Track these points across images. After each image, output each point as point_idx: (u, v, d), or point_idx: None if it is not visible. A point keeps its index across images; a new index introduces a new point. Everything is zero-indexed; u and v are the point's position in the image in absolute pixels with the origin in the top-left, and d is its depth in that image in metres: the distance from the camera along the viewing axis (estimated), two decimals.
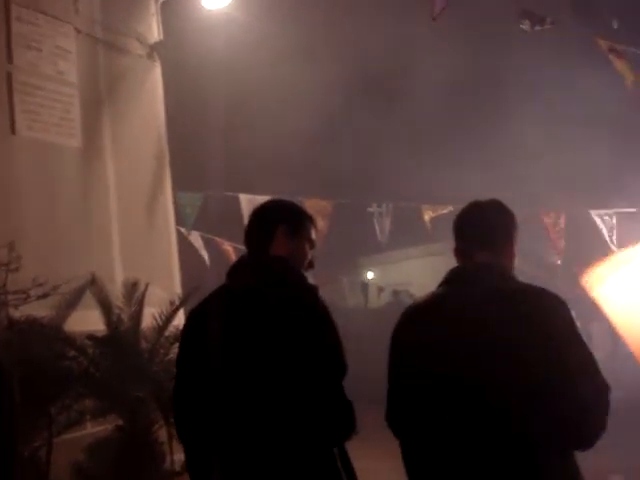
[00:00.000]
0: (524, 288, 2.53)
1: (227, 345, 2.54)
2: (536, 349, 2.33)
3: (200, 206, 10.82)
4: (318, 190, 13.32)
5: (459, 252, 2.70)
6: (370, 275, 25.95)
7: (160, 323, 7.23)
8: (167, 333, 7.12)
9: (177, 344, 2.86)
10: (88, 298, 7.30)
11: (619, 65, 8.37)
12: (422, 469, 2.52)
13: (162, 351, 7.07)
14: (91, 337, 6.83)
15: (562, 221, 11.84)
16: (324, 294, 2.63)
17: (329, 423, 2.46)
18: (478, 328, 2.42)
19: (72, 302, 7.19)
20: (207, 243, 11.97)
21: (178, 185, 10.49)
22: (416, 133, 17.29)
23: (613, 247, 12.08)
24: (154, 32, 10.17)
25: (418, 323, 2.60)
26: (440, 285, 2.66)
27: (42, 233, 7.90)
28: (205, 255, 11.75)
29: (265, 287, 2.59)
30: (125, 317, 7.19)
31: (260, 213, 2.86)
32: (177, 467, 6.50)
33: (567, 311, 2.43)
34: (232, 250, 11.60)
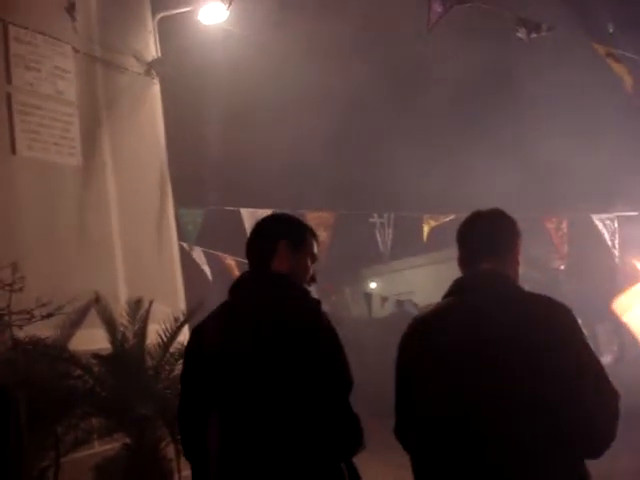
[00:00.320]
0: (530, 297, 2.52)
1: (231, 362, 2.53)
2: (544, 359, 2.32)
3: (202, 222, 10.84)
4: (320, 202, 13.34)
5: (463, 262, 2.69)
6: (373, 285, 25.94)
7: (165, 340, 7.21)
8: (172, 350, 7.11)
9: (182, 361, 2.84)
10: (92, 317, 7.30)
11: (617, 69, 8.39)
12: None
13: (167, 368, 7.06)
14: (96, 356, 6.81)
15: (564, 226, 11.84)
16: (328, 306, 2.62)
17: (336, 438, 2.44)
18: (485, 339, 2.41)
19: (76, 321, 7.19)
20: (210, 258, 11.98)
21: (180, 201, 10.52)
22: (418, 143, 17.33)
23: (615, 251, 12.07)
24: (152, 49, 10.22)
25: (425, 335, 2.59)
26: (445, 296, 2.64)
27: (45, 253, 7.91)
28: (207, 271, 11.75)
29: (268, 303, 2.58)
30: (130, 335, 7.18)
31: (261, 228, 2.85)
32: None
33: (574, 320, 2.42)
34: (235, 265, 11.60)
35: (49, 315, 6.49)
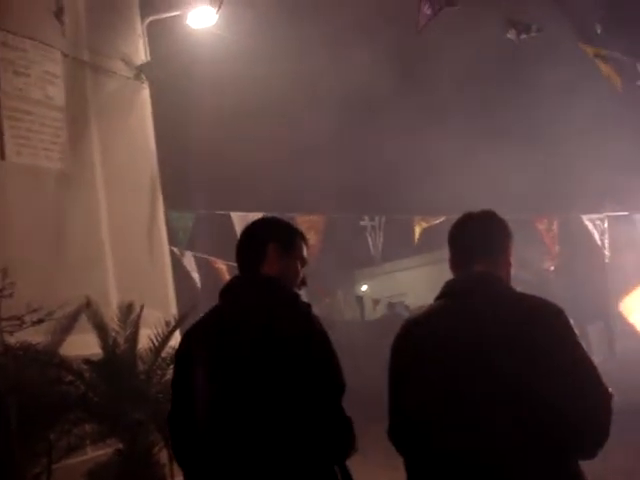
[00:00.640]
0: (522, 298, 2.53)
1: (223, 366, 2.53)
2: (538, 360, 2.33)
3: (192, 225, 10.83)
4: (311, 205, 13.35)
5: (455, 264, 2.69)
6: (364, 288, 25.97)
7: (156, 344, 7.19)
8: (164, 354, 7.09)
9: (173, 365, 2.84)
10: (83, 322, 7.27)
11: (605, 70, 8.44)
12: None
13: (159, 372, 7.03)
14: (87, 361, 6.79)
15: (555, 227, 11.88)
16: (320, 309, 2.62)
17: (329, 441, 2.44)
18: (478, 341, 2.41)
19: (67, 327, 7.16)
20: (200, 262, 11.98)
21: (170, 205, 10.50)
22: (409, 144, 17.37)
23: (605, 251, 12.12)
24: (141, 53, 10.21)
25: (418, 337, 2.59)
26: (438, 298, 2.65)
27: (35, 258, 7.88)
28: (197, 276, 11.75)
29: (258, 308, 2.58)
30: (121, 340, 7.16)
31: (251, 232, 2.84)
32: None
33: (566, 320, 2.43)
34: (226, 269, 11.60)
35: (40, 321, 6.46)
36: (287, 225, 2.88)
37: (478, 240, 2.65)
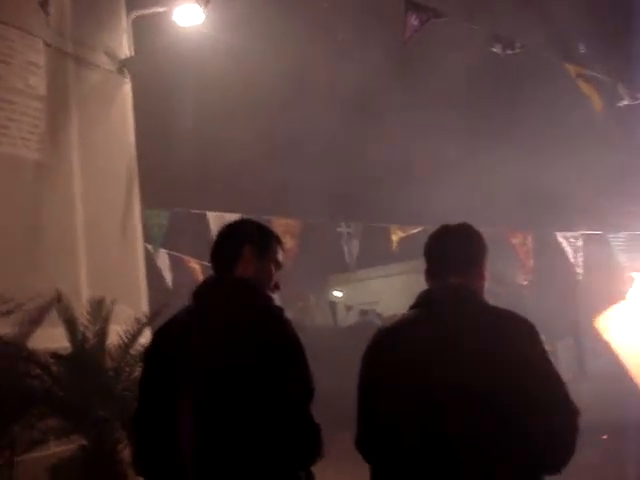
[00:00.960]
0: (495, 312, 2.54)
1: (191, 367, 2.51)
2: (509, 374, 2.35)
3: (168, 224, 10.76)
4: (288, 209, 13.34)
5: (430, 275, 2.70)
6: (338, 294, 25.97)
7: (126, 341, 7.14)
8: (133, 351, 7.04)
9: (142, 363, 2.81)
10: (53, 315, 7.20)
11: (586, 90, 8.51)
12: None
13: (127, 369, 6.98)
14: (55, 355, 6.72)
15: (530, 242, 11.95)
16: (293, 313, 2.62)
17: (295, 447, 2.44)
18: (450, 352, 2.42)
19: (36, 319, 7.10)
20: (174, 261, 11.91)
21: (147, 202, 10.43)
22: (387, 153, 17.42)
23: (578, 269, 12.21)
24: (125, 47, 10.14)
25: (389, 347, 2.58)
26: (411, 308, 2.65)
27: (7, 249, 7.78)
28: (169, 275, 11.69)
29: (230, 309, 2.57)
30: (90, 335, 7.10)
31: (227, 233, 2.83)
32: None
33: (537, 336, 2.45)
34: (199, 269, 11.56)
35: (9, 312, 6.40)
36: (263, 228, 2.87)
37: (454, 252, 2.67)
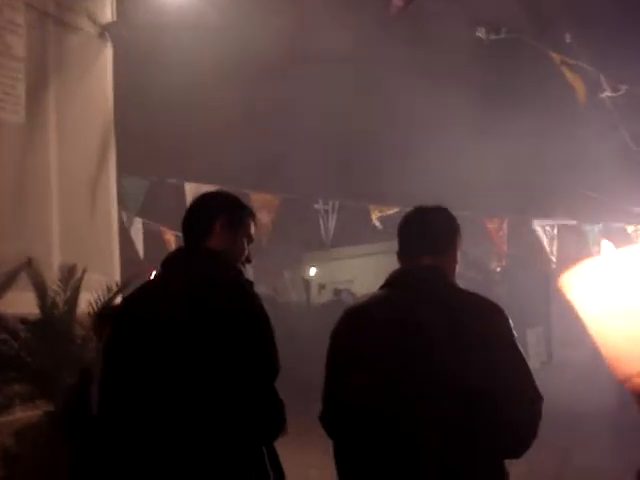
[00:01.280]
0: (465, 295, 2.55)
1: (156, 337, 2.48)
2: (473, 357, 2.36)
3: (144, 193, 10.67)
4: (266, 183, 13.27)
5: (402, 255, 2.70)
6: (312, 271, 25.99)
7: (96, 309, 7.09)
8: None
9: None
10: (23, 280, 7.13)
11: (571, 78, 8.53)
12: (353, 471, 2.51)
13: (96, 338, 6.93)
14: (24, 320, 6.67)
15: (505, 227, 12.02)
16: (265, 289, 2.59)
17: (258, 422, 2.43)
18: (417, 333, 2.43)
19: (5, 284, 7.02)
20: (148, 230, 11.82)
21: (123, 170, 10.32)
22: (368, 136, 17.34)
23: (552, 257, 12.31)
24: (107, 12, 9.97)
25: (358, 325, 2.59)
26: (381, 287, 2.65)
27: None
28: (141, 244, 11.59)
29: (198, 282, 2.54)
30: (60, 302, 7.05)
31: (199, 204, 2.80)
32: None
33: (505, 320, 2.46)
34: (173, 240, 11.49)
35: None
36: (237, 201, 2.84)
37: (427, 234, 2.66)
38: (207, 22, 11.03)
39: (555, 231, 12.10)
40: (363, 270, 21.59)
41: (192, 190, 10.26)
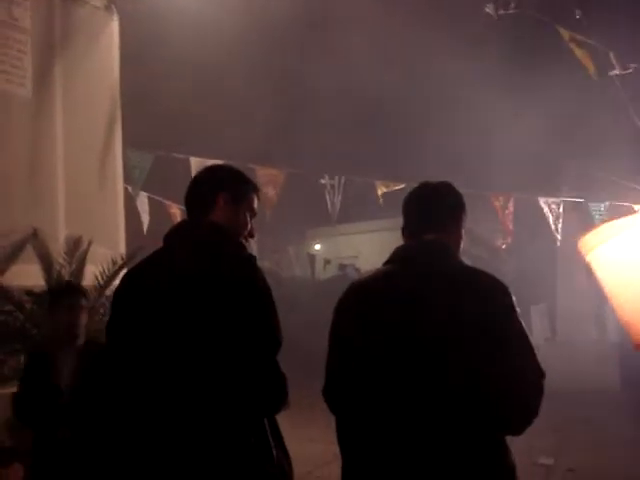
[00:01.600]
0: (468, 271, 2.54)
1: (159, 313, 2.49)
2: (477, 332, 2.35)
3: (150, 166, 10.64)
4: (272, 158, 13.22)
5: (407, 231, 2.69)
6: (317, 247, 26.00)
7: (101, 282, 7.12)
8: (108, 293, 7.02)
9: None
10: (29, 252, 7.14)
11: (580, 55, 8.45)
12: (355, 445, 2.52)
13: (102, 311, 6.97)
14: (29, 292, 6.69)
15: (511, 205, 11.98)
16: (269, 264, 2.59)
17: (260, 395, 2.44)
18: (421, 308, 2.43)
19: (11, 255, 7.04)
20: (154, 204, 11.82)
21: (129, 143, 10.29)
22: (374, 113, 17.25)
23: (558, 235, 12.27)
24: None
25: (362, 300, 2.59)
26: (386, 262, 2.65)
27: None
28: (146, 219, 11.59)
29: (201, 254, 2.54)
30: (66, 274, 7.06)
31: (202, 178, 2.78)
32: None
33: (509, 296, 2.45)
34: (179, 213, 11.48)
35: None
36: (241, 175, 2.83)
37: (432, 210, 2.66)
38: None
39: (561, 209, 12.05)
40: (368, 246, 21.59)
41: (198, 164, 10.24)
